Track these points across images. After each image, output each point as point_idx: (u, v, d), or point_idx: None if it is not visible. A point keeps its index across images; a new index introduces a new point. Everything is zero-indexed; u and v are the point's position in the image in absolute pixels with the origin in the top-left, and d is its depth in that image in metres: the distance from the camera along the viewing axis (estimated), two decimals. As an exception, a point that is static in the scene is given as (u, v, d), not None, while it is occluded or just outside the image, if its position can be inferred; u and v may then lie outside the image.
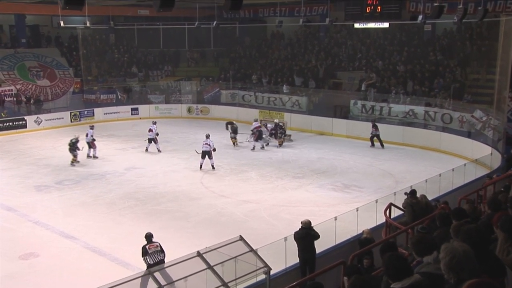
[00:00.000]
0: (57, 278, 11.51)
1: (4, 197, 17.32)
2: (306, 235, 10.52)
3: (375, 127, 24.08)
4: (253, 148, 24.03)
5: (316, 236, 10.58)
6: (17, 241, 13.63)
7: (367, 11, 25.33)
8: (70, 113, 30.88)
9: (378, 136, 24.02)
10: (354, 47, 32.33)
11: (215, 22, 29.14)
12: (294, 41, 35.84)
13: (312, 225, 10.73)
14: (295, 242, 10.48)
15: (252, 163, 21.55)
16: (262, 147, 24.17)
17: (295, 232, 10.59)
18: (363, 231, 10.95)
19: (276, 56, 35.20)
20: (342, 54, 32.24)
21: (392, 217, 11.84)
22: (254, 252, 9.48)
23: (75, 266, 12.10)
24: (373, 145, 24.13)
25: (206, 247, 9.26)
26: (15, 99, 30.53)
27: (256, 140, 24.18)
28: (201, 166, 20.46)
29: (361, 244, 10.24)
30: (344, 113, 27.92)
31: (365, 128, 25.20)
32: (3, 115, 28.70)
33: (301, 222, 10.74)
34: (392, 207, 12.04)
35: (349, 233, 11.81)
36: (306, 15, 32.79)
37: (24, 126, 28.71)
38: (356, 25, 29.65)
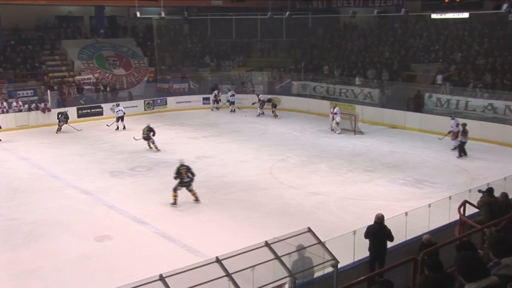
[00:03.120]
0: (129, 261, 11.88)
1: (82, 181, 18.06)
2: (379, 230, 10.30)
3: (465, 133, 20.93)
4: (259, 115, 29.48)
5: (391, 237, 10.33)
6: (93, 223, 14.17)
7: (446, 0, 24.46)
8: (144, 101, 31.77)
9: (464, 144, 20.93)
10: (430, 38, 31.31)
11: (287, 13, 29.08)
12: (368, 32, 35.17)
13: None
14: (364, 236, 10.30)
15: (322, 155, 21.40)
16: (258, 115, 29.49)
17: (368, 226, 10.38)
18: (422, 237, 10.47)
19: (349, 47, 34.69)
20: (417, 46, 31.32)
21: (466, 215, 11.43)
22: (322, 244, 9.40)
23: (146, 250, 12.44)
24: (464, 154, 20.74)
25: (274, 238, 9.26)
26: (93, 87, 31.71)
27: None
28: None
29: (422, 247, 9.78)
30: (418, 106, 27.19)
31: (440, 122, 24.43)
32: (82, 102, 29.89)
33: (375, 216, 10.53)
34: (467, 204, 11.61)
35: (420, 230, 11.48)
36: (381, 6, 32.18)
37: (101, 113, 29.81)
38: (433, 16, 28.76)
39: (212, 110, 32.13)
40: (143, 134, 22.29)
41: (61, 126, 25.87)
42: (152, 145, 22.23)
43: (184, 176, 15.38)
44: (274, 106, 29.94)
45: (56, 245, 12.90)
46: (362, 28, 35.87)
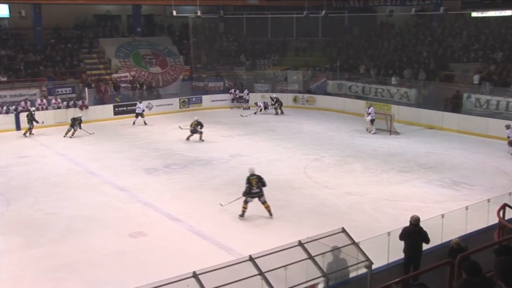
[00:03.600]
0: (163, 258, 11.98)
1: (117, 177, 18.32)
2: (414, 233, 10.13)
3: None
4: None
5: (427, 239, 10.15)
6: (128, 220, 14.34)
7: (487, -1, 23.93)
8: (179, 99, 32.09)
9: None
10: (470, 37, 30.69)
11: (323, 12, 28.94)
12: (405, 31, 34.71)
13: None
14: (399, 238, 10.16)
15: (356, 155, 21.22)
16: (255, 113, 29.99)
17: (404, 228, 10.23)
18: (451, 241, 10.24)
19: (385, 46, 34.30)
20: (456, 45, 30.75)
21: (506, 218, 11.15)
22: (356, 245, 9.31)
23: (180, 247, 12.53)
24: None
25: (307, 237, 9.22)
26: (129, 85, 32.13)
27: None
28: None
29: (451, 252, 9.55)
30: (456, 106, 26.69)
31: (479, 123, 23.95)
32: (118, 100, 30.33)
33: (411, 218, 10.36)
34: (507, 208, 11.33)
35: (457, 233, 11.25)
36: (419, 4, 31.71)
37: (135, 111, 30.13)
38: (474, 14, 28.17)
39: (231, 108, 32.39)
40: (191, 127, 23.66)
41: (75, 131, 25.17)
42: (200, 138, 23.69)
43: (254, 187, 14.31)
44: (280, 104, 30.70)
45: (92, 240, 13.11)
46: (399, 27, 35.42)
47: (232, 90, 33.01)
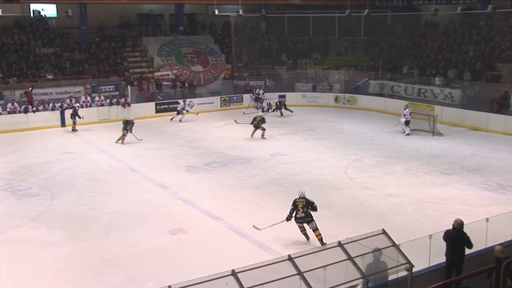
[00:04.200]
0: (203, 255, 12.10)
1: (158, 174, 18.58)
2: (457, 236, 9.94)
3: None
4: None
5: (470, 244, 9.94)
6: (168, 216, 14.53)
7: (539, -5, 23.13)
8: (220, 98, 32.26)
9: None
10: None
11: (366, 11, 28.68)
12: (450, 30, 34.03)
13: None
14: (441, 241, 9.99)
15: (398, 156, 20.95)
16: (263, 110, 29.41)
17: (446, 231, 10.05)
18: (495, 249, 9.92)
19: (429, 46, 33.71)
20: (504, 44, 29.96)
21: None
22: (397, 247, 9.20)
23: (219, 245, 12.62)
24: None
25: (347, 238, 9.17)
26: (171, 83, 32.52)
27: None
28: None
29: (497, 261, 9.23)
30: (502, 108, 26.03)
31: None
32: (160, 98, 30.73)
33: (454, 222, 10.17)
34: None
35: (503, 237, 11.00)
36: (465, 3, 31.06)
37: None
38: (525, 12, 27.42)
39: (257, 108, 31.59)
40: (255, 121, 24.09)
41: (125, 136, 23.59)
42: (262, 135, 23.87)
43: (299, 211, 12.74)
44: (284, 106, 30.47)
45: (133, 235, 13.34)
46: (445, 26, 34.75)
47: (255, 90, 32.53)
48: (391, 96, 31.21)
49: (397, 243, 9.19)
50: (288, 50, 37.60)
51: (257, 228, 12.96)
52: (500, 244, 9.75)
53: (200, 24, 38.14)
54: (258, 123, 24.00)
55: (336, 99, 32.99)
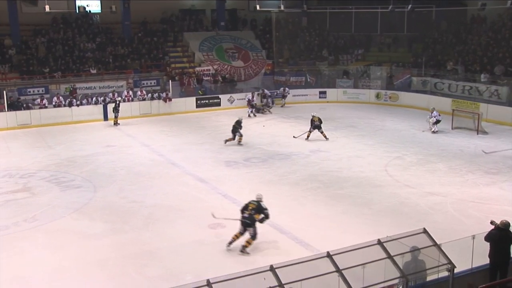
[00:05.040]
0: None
1: (199, 168, 18.75)
2: (503, 237, 9.69)
3: None
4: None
5: None
6: (207, 211, 14.58)
7: None
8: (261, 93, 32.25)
9: None
10: None
11: (410, 6, 28.25)
12: (499, 25, 33.14)
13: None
14: (484, 242, 9.78)
15: (440, 154, 20.58)
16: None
17: (490, 232, 9.80)
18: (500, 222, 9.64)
19: (475, 42, 32.94)
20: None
21: None
22: (438, 247, 9.07)
23: (258, 240, 12.61)
24: None
25: (387, 236, 9.08)
26: (212, 78, 32.73)
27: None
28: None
29: None
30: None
31: None
32: (201, 93, 30.98)
33: (500, 222, 9.92)
34: None
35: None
36: (515, -4, 30.14)
37: (219, 104, 30.73)
38: None
39: (266, 110, 30.27)
40: (315, 122, 22.94)
41: (233, 139, 22.45)
42: (322, 134, 22.81)
43: (247, 211, 12.33)
44: (272, 102, 30.71)
45: (173, 229, 13.52)
46: (492, 21, 33.86)
47: (260, 91, 31.28)
48: (434, 93, 30.67)
49: (438, 242, 9.06)
50: (329, 46, 37.35)
51: (214, 216, 12.82)
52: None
53: (241, 20, 38.22)
54: (318, 123, 22.81)
55: (378, 96, 32.61)
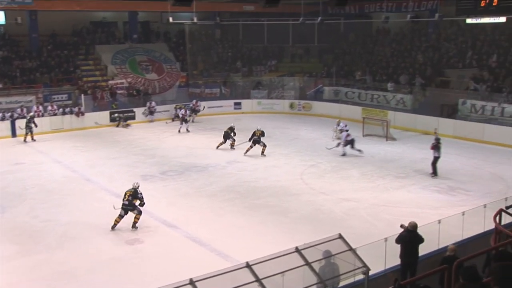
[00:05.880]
0: (161, 265, 11.97)
1: (114, 184, 18.27)
2: (412, 239, 10.14)
3: (437, 147, 19.23)
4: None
5: (422, 239, 10.19)
6: (125, 226, 14.29)
7: (482, 5, 23.85)
8: (176, 106, 31.95)
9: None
10: (464, 43, 30.81)
11: (319, 18, 28.99)
12: (400, 37, 34.84)
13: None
14: (395, 244, 10.18)
15: (353, 161, 21.25)
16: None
17: (400, 234, 10.24)
18: (447, 247, 10.24)
19: (381, 52, 34.41)
20: (451, 51, 30.87)
21: (502, 224, 11.15)
22: (353, 251, 9.32)
23: (177, 254, 12.52)
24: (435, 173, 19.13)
25: (304, 244, 9.22)
26: (126, 91, 32.10)
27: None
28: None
29: (443, 262, 9.44)
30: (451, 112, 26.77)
31: (474, 128, 24.01)
32: (114, 107, 30.28)
33: (408, 224, 10.37)
34: (503, 213, 11.33)
35: (453, 238, 11.29)
36: (414, 10, 31.80)
37: (133, 117, 30.16)
38: (468, 20, 28.28)
39: (166, 122, 30.36)
40: (254, 136, 22.38)
41: (230, 142, 23.56)
42: (263, 151, 22.18)
43: (125, 198, 14.18)
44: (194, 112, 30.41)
45: (89, 247, 13.09)
46: (395, 33, 35.54)
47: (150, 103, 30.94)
48: (345, 102, 31.68)
49: (353, 247, 9.31)
50: (243, 57, 37.72)
51: (114, 208, 14.15)
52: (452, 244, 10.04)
53: (155, 32, 37.80)
54: (258, 138, 22.34)
55: (291, 106, 33.26)
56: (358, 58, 35.40)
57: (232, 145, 23.35)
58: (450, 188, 17.56)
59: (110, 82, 32.10)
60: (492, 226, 10.92)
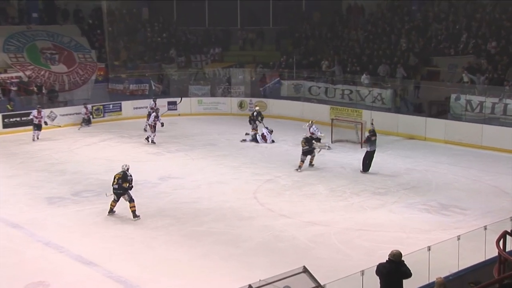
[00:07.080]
0: (72, 314, 11.78)
1: (9, 211, 17.82)
2: (394, 271, 10.23)
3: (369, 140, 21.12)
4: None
5: (408, 273, 10.28)
6: (24, 266, 13.98)
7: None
8: (92, 106, 31.57)
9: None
10: (457, 24, 31.49)
11: (275, -6, 29.25)
12: (378, 17, 35.41)
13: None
14: (376, 277, 10.29)
15: (319, 174, 21.45)
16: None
17: (379, 265, 10.33)
18: (435, 279, 10.42)
19: (353, 37, 34.89)
20: (441, 34, 31.52)
21: (507, 250, 11.42)
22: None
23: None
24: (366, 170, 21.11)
25: (259, 280, 9.23)
26: (23, 88, 31.46)
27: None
28: None
29: None
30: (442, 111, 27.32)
31: (470, 131, 24.58)
32: (10, 108, 29.60)
33: (389, 254, 10.49)
34: (508, 237, 11.60)
35: (448, 269, 11.53)
36: (395, -16, 32.46)
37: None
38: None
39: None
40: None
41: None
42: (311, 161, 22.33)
43: (114, 182, 16.88)
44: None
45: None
46: (371, 12, 36.10)
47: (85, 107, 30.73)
48: (309, 100, 31.93)
49: (321, 283, 9.37)
50: (178, 44, 37.65)
51: (106, 195, 17.02)
52: (445, 277, 10.18)
53: (62, 10, 37.28)
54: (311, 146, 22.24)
55: (241, 105, 33.35)
56: (324, 44, 35.80)
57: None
58: (442, 206, 17.87)
59: (2, 75, 31.44)
60: (495, 253, 11.16)
